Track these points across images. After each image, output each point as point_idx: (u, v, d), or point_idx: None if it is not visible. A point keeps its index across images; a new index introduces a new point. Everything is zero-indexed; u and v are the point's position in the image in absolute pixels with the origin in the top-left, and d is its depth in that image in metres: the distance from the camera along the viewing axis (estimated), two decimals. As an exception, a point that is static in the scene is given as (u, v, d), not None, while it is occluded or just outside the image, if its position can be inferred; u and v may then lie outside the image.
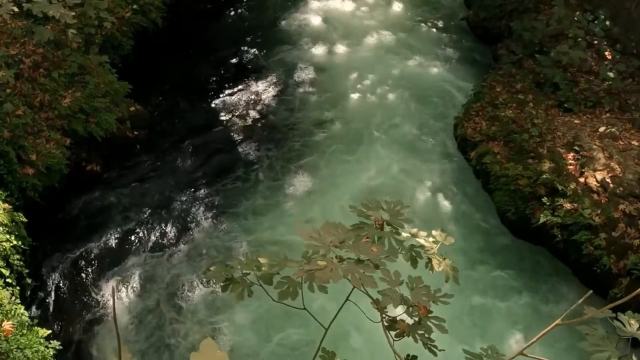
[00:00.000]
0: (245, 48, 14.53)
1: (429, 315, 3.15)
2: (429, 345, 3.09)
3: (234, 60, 14.18)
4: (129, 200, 10.91)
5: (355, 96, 13.31)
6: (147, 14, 13.15)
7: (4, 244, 8.36)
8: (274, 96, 13.27)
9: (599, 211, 9.71)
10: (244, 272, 3.26)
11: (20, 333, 7.21)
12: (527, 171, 10.53)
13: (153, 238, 10.39)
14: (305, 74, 13.86)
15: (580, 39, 12.38)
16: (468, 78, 13.71)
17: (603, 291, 9.18)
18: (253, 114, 12.84)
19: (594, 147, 10.58)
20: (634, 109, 11.43)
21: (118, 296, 9.52)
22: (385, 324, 3.16)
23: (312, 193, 11.24)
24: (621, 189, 9.92)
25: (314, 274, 2.85)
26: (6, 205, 8.86)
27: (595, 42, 12.62)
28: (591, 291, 3.18)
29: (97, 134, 10.80)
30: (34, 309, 9.05)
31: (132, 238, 10.36)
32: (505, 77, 12.47)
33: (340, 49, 14.58)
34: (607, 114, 11.39)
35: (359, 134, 12.38)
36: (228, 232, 10.54)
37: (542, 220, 10.04)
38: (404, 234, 3.41)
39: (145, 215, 10.73)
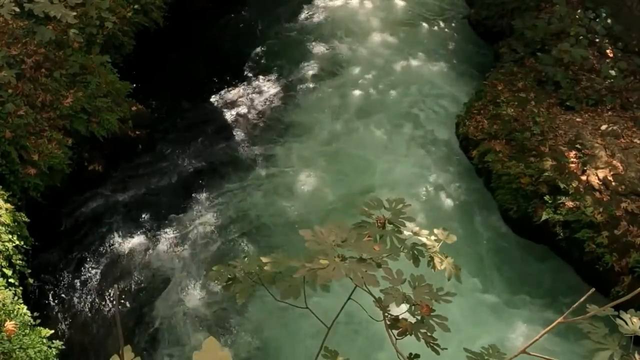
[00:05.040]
0: (247, 47, 14.51)
1: (431, 313, 3.15)
2: (432, 344, 3.09)
3: (235, 59, 14.17)
4: (131, 200, 10.92)
5: (356, 94, 13.31)
6: (148, 13, 13.16)
7: (7, 244, 8.37)
8: (276, 94, 13.27)
9: (601, 209, 9.70)
10: (246, 271, 3.27)
11: (23, 333, 7.23)
12: (529, 169, 10.53)
13: (155, 237, 10.40)
14: (307, 72, 13.85)
15: (581, 37, 12.37)
16: (469, 76, 13.71)
17: (605, 289, 9.18)
18: (255, 112, 12.84)
19: (596, 145, 10.57)
20: (635, 107, 11.41)
21: (120, 296, 9.53)
22: (388, 322, 3.16)
23: (315, 191, 11.24)
24: (623, 187, 9.91)
25: (316, 273, 2.85)
26: (8, 205, 8.88)
27: (597, 40, 12.60)
28: (593, 289, 3.18)
29: (99, 134, 10.81)
30: (36, 309, 9.06)
31: (135, 237, 10.37)
32: (506, 76, 12.46)
33: (343, 47, 14.57)
34: (609, 112, 11.38)
35: (361, 133, 12.38)
36: (231, 231, 10.54)
37: (544, 218, 10.04)
38: (406, 233, 3.42)
39: (148, 215, 10.73)
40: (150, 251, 10.21)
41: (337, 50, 14.51)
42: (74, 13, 8.73)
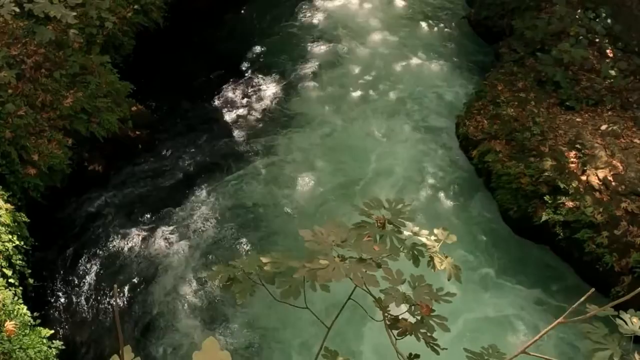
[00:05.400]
0: (247, 47, 14.52)
1: (431, 314, 3.15)
2: (432, 344, 3.09)
3: (235, 59, 14.18)
4: (132, 200, 10.91)
5: (356, 94, 13.30)
6: (148, 13, 13.16)
7: (7, 244, 8.37)
8: (275, 94, 13.28)
9: (601, 209, 9.70)
10: (247, 271, 3.26)
11: (23, 333, 7.23)
12: (529, 169, 10.53)
13: (155, 237, 10.39)
14: (307, 72, 13.85)
15: (581, 37, 12.37)
16: (469, 76, 13.71)
17: (605, 289, 9.17)
18: (255, 112, 12.84)
19: (596, 145, 10.57)
20: (635, 107, 11.41)
21: (120, 295, 9.53)
22: (388, 322, 3.16)
23: (314, 191, 11.24)
24: (623, 187, 9.91)
25: (316, 273, 2.85)
26: (8, 205, 8.87)
27: (597, 40, 12.59)
28: (593, 289, 3.18)
29: (99, 134, 10.81)
30: (36, 309, 9.05)
31: (135, 237, 10.37)
32: (506, 76, 12.46)
33: (342, 47, 14.57)
34: (609, 112, 11.37)
35: (361, 133, 12.38)
36: (231, 231, 10.54)
37: (544, 218, 10.03)
38: (406, 233, 3.41)
39: (148, 215, 10.73)
40: (151, 250, 10.21)
41: (336, 49, 14.51)
42: (74, 13, 8.73)
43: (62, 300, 9.46)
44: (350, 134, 12.37)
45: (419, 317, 3.14)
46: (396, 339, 3.11)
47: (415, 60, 14.19)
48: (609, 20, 12.66)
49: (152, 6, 13.22)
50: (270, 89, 13.41)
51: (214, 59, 14.11)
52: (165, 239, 10.39)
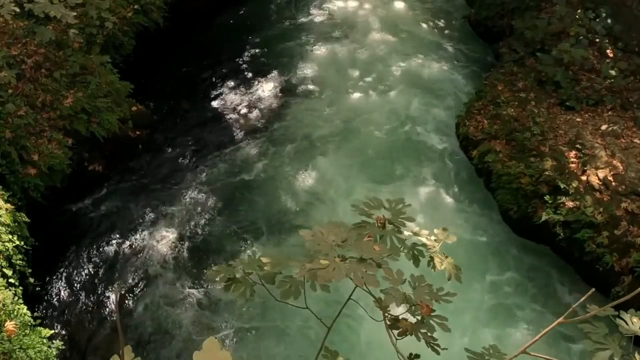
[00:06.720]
0: (248, 47, 14.52)
1: (432, 314, 3.15)
2: (432, 344, 3.09)
3: (236, 59, 14.17)
4: (131, 200, 10.91)
5: (356, 95, 13.30)
6: (148, 13, 13.16)
7: (7, 244, 8.37)
8: (276, 94, 13.27)
9: (601, 209, 9.70)
10: (247, 271, 3.27)
11: (23, 333, 7.23)
12: (529, 169, 10.53)
13: (156, 237, 10.39)
14: (307, 72, 13.84)
15: (581, 37, 12.37)
16: (469, 77, 13.70)
17: (605, 289, 9.18)
18: (255, 112, 12.84)
19: (596, 145, 10.57)
20: (635, 107, 11.41)
21: (120, 295, 9.52)
22: (388, 322, 3.16)
23: (313, 192, 11.24)
24: (623, 187, 9.91)
25: (317, 273, 2.85)
26: (8, 205, 8.88)
27: (597, 40, 12.60)
28: (593, 289, 3.17)
29: (99, 134, 10.81)
30: (36, 309, 9.06)
31: (134, 237, 10.37)
32: (507, 76, 12.46)
33: (342, 47, 14.56)
34: (609, 112, 11.38)
35: (360, 133, 12.37)
36: (230, 231, 10.54)
37: (544, 218, 10.03)
38: (406, 233, 3.41)
39: (148, 215, 10.73)
40: (151, 249, 10.21)
41: (336, 50, 14.51)
42: (74, 13, 8.72)
43: (62, 300, 9.46)
44: (350, 134, 12.36)
45: (419, 317, 3.14)
46: (396, 339, 3.11)
47: (414, 61, 14.18)
48: (609, 20, 12.66)
49: (152, 6, 13.22)
50: (270, 88, 13.41)
51: (214, 59, 14.11)
52: (166, 238, 10.39)
